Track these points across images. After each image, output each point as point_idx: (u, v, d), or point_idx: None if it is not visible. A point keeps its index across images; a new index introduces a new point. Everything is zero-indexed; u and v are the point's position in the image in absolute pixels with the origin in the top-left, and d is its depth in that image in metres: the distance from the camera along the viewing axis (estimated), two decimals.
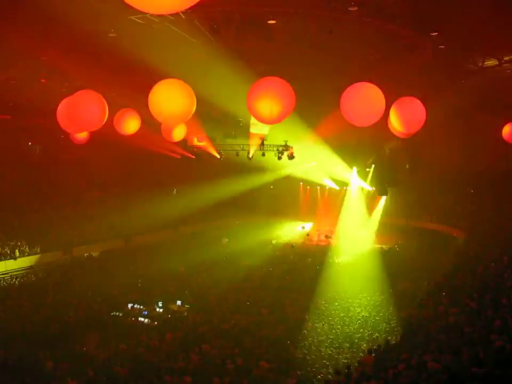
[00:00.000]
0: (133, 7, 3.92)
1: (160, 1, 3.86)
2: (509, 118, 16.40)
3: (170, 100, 10.88)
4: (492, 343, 8.85)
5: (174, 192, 35.73)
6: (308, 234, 36.17)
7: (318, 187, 39.11)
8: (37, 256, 26.11)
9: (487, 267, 17.04)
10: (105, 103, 12.07)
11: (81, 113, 12.00)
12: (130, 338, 14.60)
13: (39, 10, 13.25)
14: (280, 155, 28.03)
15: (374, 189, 34.92)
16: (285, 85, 10.63)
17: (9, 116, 25.21)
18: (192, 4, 3.93)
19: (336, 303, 17.67)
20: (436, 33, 15.92)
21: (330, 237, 34.44)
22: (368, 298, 18.21)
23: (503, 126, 15.92)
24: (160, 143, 22.86)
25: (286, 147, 27.51)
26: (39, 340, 14.23)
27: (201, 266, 25.19)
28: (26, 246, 25.68)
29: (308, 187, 39.79)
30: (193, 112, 11.22)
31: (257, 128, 24.26)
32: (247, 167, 31.16)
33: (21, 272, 24.20)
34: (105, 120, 12.22)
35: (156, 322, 17.33)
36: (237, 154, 28.30)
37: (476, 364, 7.88)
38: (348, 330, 14.49)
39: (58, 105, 13.02)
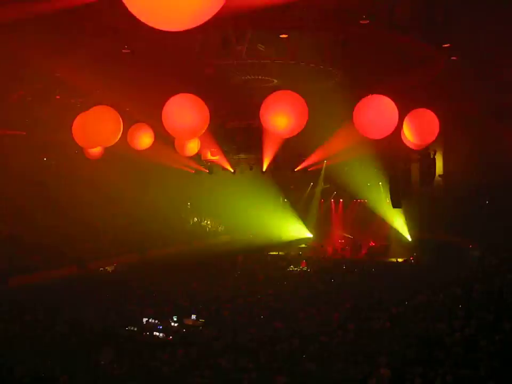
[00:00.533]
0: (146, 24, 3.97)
1: (172, 18, 3.90)
2: None
3: (184, 115, 10.97)
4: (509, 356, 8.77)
5: (188, 206, 35.89)
6: (322, 246, 36.04)
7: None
8: (51, 271, 26.22)
9: (504, 279, 16.90)
10: (120, 118, 12.20)
11: (97, 128, 12.14)
12: (146, 352, 14.58)
13: (52, 27, 13.45)
14: (294, 169, 28.06)
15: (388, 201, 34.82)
16: (298, 98, 10.69)
17: (24, 132, 25.45)
18: (204, 21, 3.97)
19: (351, 316, 17.57)
20: (448, 45, 15.91)
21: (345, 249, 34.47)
22: (384, 310, 18.06)
23: None
24: (174, 157, 22.97)
25: (299, 161, 27.52)
26: (54, 355, 14.26)
27: (216, 280, 25.18)
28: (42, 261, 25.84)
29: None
30: (206, 127, 11.29)
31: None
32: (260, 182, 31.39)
33: (37, 287, 24.29)
34: (120, 135, 12.36)
35: (171, 337, 17.31)
36: (251, 168, 28.32)
37: (493, 377, 7.81)
38: (363, 343, 14.36)
39: (72, 121, 13.17)
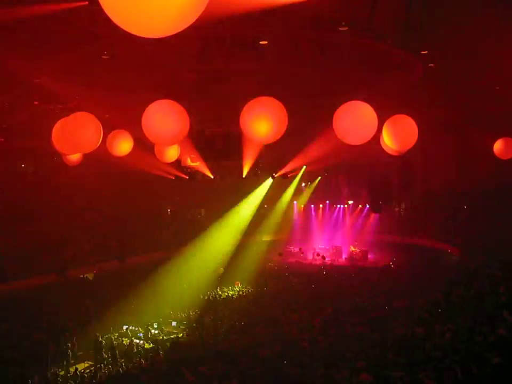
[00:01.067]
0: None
1: (152, 25, 3.92)
2: (500, 133, 16.53)
3: (164, 121, 10.96)
4: (487, 360, 8.85)
5: (168, 212, 35.77)
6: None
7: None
8: (31, 278, 25.93)
9: (482, 283, 17.05)
10: (100, 125, 12.15)
11: (77, 134, 12.09)
12: (126, 360, 14.50)
13: (31, 32, 13.35)
14: (274, 174, 28.16)
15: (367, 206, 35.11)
16: (277, 104, 10.73)
17: (2, 139, 25.21)
18: (185, 27, 3.99)
19: (332, 320, 17.62)
20: (426, 52, 16.07)
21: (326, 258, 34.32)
22: (364, 315, 18.14)
23: (494, 141, 16.05)
24: (154, 164, 22.90)
25: (280, 166, 27.63)
26: (32, 363, 14.12)
27: (197, 287, 25.12)
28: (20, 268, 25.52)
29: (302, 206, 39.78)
30: (186, 132, 11.28)
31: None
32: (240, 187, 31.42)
33: (14, 294, 24.01)
34: (100, 142, 12.31)
35: (151, 344, 17.23)
36: (231, 174, 28.34)
37: (471, 381, 7.89)
38: (343, 347, 14.40)
39: (51, 127, 13.08)
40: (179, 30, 4.03)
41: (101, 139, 12.32)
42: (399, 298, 20.35)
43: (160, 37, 4.07)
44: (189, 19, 3.95)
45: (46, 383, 12.59)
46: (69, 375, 14.32)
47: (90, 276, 29.46)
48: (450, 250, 28.95)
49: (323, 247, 36.83)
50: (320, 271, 30.34)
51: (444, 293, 18.49)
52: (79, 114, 12.24)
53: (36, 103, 20.97)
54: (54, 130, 12.86)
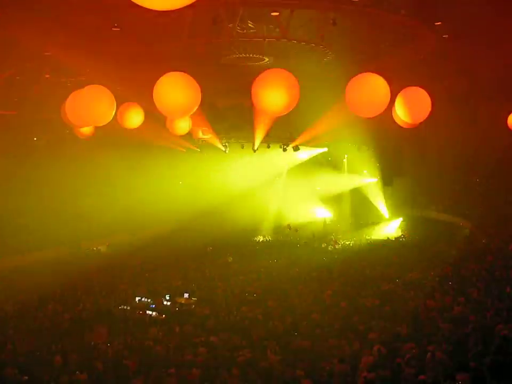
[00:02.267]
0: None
1: None
2: None
3: (175, 93, 10.94)
4: (497, 333, 8.89)
5: (180, 184, 35.85)
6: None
7: None
8: (44, 251, 26.25)
9: (495, 257, 17.05)
10: (113, 97, 12.16)
11: (91, 107, 12.11)
12: (138, 331, 14.65)
13: (41, 5, 13.29)
14: (285, 147, 28.06)
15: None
16: (289, 76, 10.66)
17: (14, 112, 25.25)
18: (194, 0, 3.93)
19: (343, 293, 17.68)
20: (440, 23, 15.84)
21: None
22: (375, 288, 18.18)
23: (509, 114, 15.85)
24: (165, 136, 22.89)
25: (291, 139, 27.50)
26: (47, 334, 14.31)
27: (208, 259, 25.34)
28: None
29: None
30: (197, 105, 11.26)
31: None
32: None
33: (29, 267, 24.29)
34: (113, 114, 12.34)
35: (163, 316, 17.38)
36: (242, 147, 28.33)
37: (480, 353, 7.92)
38: (354, 319, 14.46)
39: (62, 100, 13.09)
40: (188, 3, 3.98)
41: (114, 112, 12.35)
42: (410, 271, 20.37)
43: (168, 9, 4.02)
44: None
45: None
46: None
47: (102, 248, 29.75)
48: (462, 224, 28.89)
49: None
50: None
51: (454, 266, 18.52)
52: (93, 87, 12.24)
53: (47, 76, 20.95)
54: (67, 102, 12.88)
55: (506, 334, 8.75)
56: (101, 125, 13.01)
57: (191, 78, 10.96)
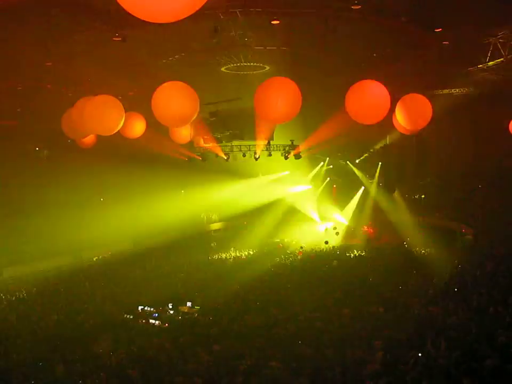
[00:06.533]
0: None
1: (160, 10, 3.89)
2: None
3: (173, 102, 10.98)
4: (498, 339, 8.89)
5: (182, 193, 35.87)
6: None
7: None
8: (47, 261, 26.25)
9: (497, 263, 17.01)
10: (122, 107, 12.21)
11: (102, 116, 12.16)
12: (142, 340, 14.64)
13: (43, 15, 13.36)
14: (286, 155, 28.05)
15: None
16: (291, 84, 10.71)
17: (16, 122, 25.33)
18: (194, 11, 3.96)
19: (347, 300, 17.62)
20: (440, 30, 15.87)
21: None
22: (378, 294, 18.12)
23: (510, 121, 15.88)
24: (167, 145, 22.94)
25: (293, 146, 27.49)
26: (50, 344, 14.30)
27: (210, 268, 25.32)
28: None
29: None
30: (196, 114, 11.30)
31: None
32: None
33: (31, 277, 24.29)
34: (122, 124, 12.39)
35: (166, 324, 17.37)
36: (244, 155, 28.35)
37: (483, 358, 7.92)
38: (358, 326, 14.42)
39: (65, 110, 13.15)
40: (187, 15, 4.00)
41: (123, 121, 12.41)
42: (412, 278, 20.32)
43: (167, 22, 4.05)
44: (198, 3, 3.91)
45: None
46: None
47: (104, 257, 29.79)
48: (464, 230, 28.82)
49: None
50: (334, 251, 30.36)
51: (457, 273, 18.49)
52: (104, 97, 12.30)
53: (49, 86, 21.02)
54: (74, 110, 12.93)
55: (508, 340, 8.74)
56: (110, 134, 13.07)
57: (189, 87, 11.02)
